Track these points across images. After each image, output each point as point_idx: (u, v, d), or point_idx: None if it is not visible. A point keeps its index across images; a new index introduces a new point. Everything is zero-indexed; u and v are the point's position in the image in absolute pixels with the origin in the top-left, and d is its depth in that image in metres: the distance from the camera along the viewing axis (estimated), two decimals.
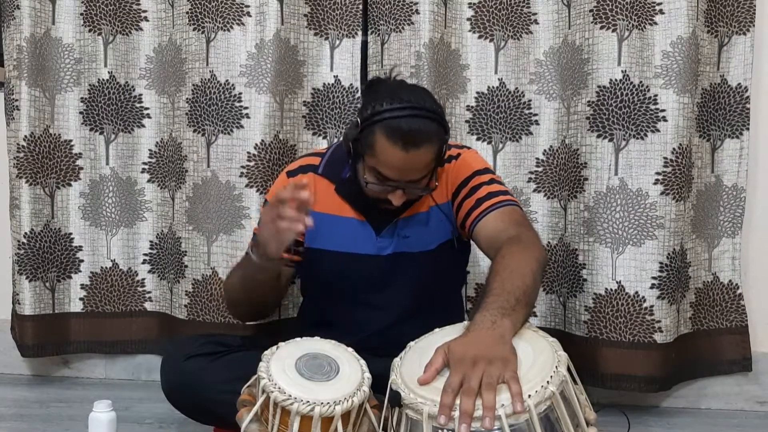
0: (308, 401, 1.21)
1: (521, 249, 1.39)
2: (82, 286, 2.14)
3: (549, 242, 2.01)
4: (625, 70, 1.85)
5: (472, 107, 2.01)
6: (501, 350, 1.19)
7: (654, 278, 1.85)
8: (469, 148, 1.69)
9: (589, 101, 1.89)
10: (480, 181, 1.58)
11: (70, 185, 2.12)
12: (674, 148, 1.84)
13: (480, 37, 2.00)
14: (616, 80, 1.86)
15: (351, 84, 2.00)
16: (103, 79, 2.10)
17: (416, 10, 1.95)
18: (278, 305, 1.95)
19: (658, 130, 1.84)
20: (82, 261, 2.14)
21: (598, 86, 1.87)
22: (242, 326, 1.91)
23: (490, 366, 1.16)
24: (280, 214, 1.32)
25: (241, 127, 1.97)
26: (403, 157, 1.41)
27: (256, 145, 1.96)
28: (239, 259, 1.65)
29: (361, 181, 1.50)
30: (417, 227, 1.60)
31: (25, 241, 2.06)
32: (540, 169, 2.01)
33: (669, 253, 1.86)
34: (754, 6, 1.91)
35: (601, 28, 1.86)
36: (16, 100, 2.03)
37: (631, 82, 1.85)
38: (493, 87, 2.00)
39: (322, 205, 1.61)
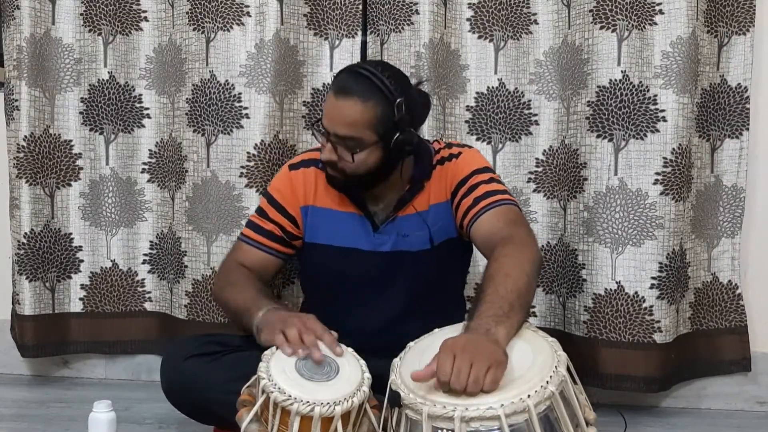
0: (308, 401, 1.21)
1: (514, 251, 1.39)
2: (82, 286, 2.14)
3: (548, 242, 2.01)
4: (625, 71, 1.85)
5: (472, 107, 2.01)
6: (494, 352, 1.19)
7: (653, 278, 1.85)
8: (470, 147, 1.69)
9: (588, 101, 1.89)
10: (479, 180, 1.57)
11: (70, 185, 2.12)
12: (674, 149, 1.84)
13: (480, 37, 2.00)
14: (615, 80, 1.86)
15: None
16: (103, 79, 2.10)
17: (416, 11, 1.95)
18: None
19: (658, 131, 1.84)
20: (82, 261, 2.14)
21: (598, 86, 1.87)
22: None
23: (480, 357, 1.15)
24: (314, 337, 1.36)
25: (241, 127, 1.97)
26: (332, 103, 1.49)
27: (256, 145, 1.96)
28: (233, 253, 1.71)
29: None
30: (416, 226, 1.60)
31: (25, 241, 2.06)
32: (540, 169, 2.01)
33: (668, 253, 1.86)
34: (754, 6, 1.91)
35: (601, 28, 1.86)
36: (16, 100, 2.03)
37: (631, 83, 1.85)
38: (492, 87, 2.00)
39: (322, 199, 1.62)
